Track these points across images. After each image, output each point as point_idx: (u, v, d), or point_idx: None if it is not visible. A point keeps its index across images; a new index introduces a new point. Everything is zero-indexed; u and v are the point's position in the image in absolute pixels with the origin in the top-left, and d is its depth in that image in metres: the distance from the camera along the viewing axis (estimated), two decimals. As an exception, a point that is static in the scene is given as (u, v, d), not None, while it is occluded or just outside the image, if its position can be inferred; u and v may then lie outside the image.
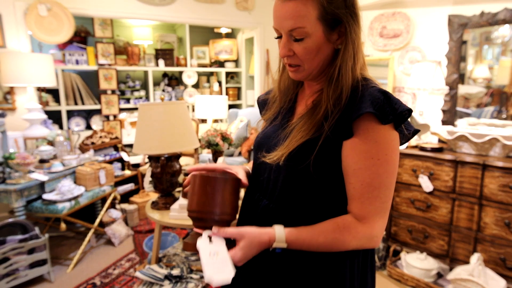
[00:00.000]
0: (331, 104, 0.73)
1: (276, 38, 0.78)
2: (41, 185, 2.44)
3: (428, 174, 2.26)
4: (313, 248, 0.73)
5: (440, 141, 2.55)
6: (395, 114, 0.69)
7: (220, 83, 5.09)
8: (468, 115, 2.52)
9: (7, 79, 2.80)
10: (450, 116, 2.57)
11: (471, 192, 2.08)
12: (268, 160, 0.80)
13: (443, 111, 2.59)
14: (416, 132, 0.78)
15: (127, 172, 3.51)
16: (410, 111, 0.70)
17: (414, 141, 2.51)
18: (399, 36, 2.82)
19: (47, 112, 3.45)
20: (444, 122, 2.58)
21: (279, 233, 0.72)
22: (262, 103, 1.00)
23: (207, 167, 0.83)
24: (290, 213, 0.78)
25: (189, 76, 4.72)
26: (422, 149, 2.35)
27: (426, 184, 2.26)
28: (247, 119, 3.91)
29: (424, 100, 2.63)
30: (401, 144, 0.77)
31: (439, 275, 2.23)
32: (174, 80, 5.02)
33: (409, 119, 0.76)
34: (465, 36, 2.47)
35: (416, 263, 2.22)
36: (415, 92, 2.71)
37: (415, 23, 2.73)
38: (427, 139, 2.56)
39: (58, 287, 2.24)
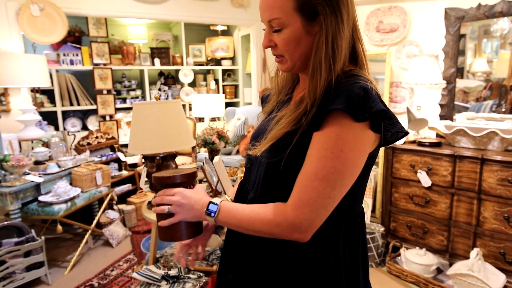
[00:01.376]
0: (309, 98, 0.72)
1: (263, 30, 0.80)
2: (37, 187, 2.42)
3: (427, 169, 2.25)
4: (238, 224, 0.75)
5: (438, 135, 2.54)
6: (371, 113, 0.66)
7: (216, 81, 5.07)
8: (466, 109, 2.51)
9: (0, 81, 2.76)
10: (448, 110, 2.55)
11: (470, 187, 2.07)
12: (250, 152, 0.82)
13: (441, 105, 2.58)
14: (402, 134, 0.73)
15: (124, 173, 3.49)
16: (385, 112, 0.67)
17: (412, 136, 2.50)
18: (396, 30, 2.79)
19: (42, 113, 3.42)
20: (442, 117, 2.56)
21: (212, 205, 0.77)
22: (266, 99, 0.99)
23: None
24: None
25: (186, 74, 4.69)
26: (420, 144, 2.33)
27: (425, 180, 2.25)
28: (245, 117, 3.89)
29: (422, 94, 2.61)
30: (384, 145, 0.74)
31: (439, 271, 2.23)
32: (171, 79, 4.99)
33: (398, 120, 0.72)
34: (464, 30, 2.45)
35: (416, 258, 2.21)
36: (412, 86, 2.69)
37: (411, 17, 2.71)
38: (425, 134, 2.55)
39: (55, 289, 2.22)
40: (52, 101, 3.88)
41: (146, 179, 1.94)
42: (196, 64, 4.88)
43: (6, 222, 2.22)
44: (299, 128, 0.72)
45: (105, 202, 2.87)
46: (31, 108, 2.94)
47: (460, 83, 2.52)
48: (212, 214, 0.76)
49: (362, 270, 0.82)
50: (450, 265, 2.16)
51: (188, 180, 0.82)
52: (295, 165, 0.72)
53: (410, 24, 2.71)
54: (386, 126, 0.70)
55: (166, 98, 4.77)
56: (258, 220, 0.72)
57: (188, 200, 0.79)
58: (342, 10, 0.71)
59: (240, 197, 0.90)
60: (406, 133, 0.73)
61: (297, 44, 0.74)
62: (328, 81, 0.70)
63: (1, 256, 2.03)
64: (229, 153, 3.92)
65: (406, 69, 2.74)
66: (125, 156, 3.62)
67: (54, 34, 3.23)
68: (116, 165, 3.49)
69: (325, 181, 0.67)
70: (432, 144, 2.28)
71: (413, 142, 2.42)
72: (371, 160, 0.75)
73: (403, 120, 2.81)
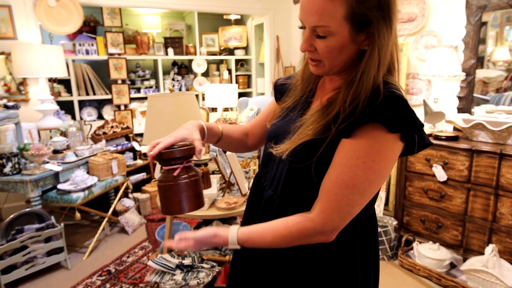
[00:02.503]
0: (345, 107, 0.70)
1: (300, 28, 0.75)
2: (56, 175, 2.49)
3: (442, 164, 2.21)
4: (264, 246, 0.76)
5: (455, 129, 2.48)
6: (405, 126, 0.66)
7: (230, 71, 5.05)
8: (486, 101, 2.43)
9: (19, 71, 2.83)
10: (466, 103, 2.49)
11: (487, 182, 2.03)
12: (274, 152, 0.81)
13: (459, 97, 2.51)
14: (427, 145, 0.73)
15: (139, 162, 3.55)
16: (421, 126, 0.67)
17: (428, 129, 2.45)
18: (414, 20, 2.71)
19: (59, 103, 3.49)
20: (460, 110, 2.50)
21: (231, 237, 0.76)
22: (280, 87, 0.96)
23: (156, 145, 0.79)
24: (293, 207, 0.79)
25: (199, 64, 4.70)
26: (437, 137, 2.29)
27: (440, 174, 2.22)
28: (257, 108, 3.88)
29: (440, 86, 2.55)
30: (408, 154, 0.74)
31: (452, 266, 2.21)
32: (184, 69, 5.00)
33: (424, 131, 0.72)
34: (485, 17, 2.36)
35: (429, 253, 2.20)
36: (430, 78, 2.63)
37: (430, 6, 2.63)
38: (441, 127, 2.50)
39: (75, 274, 2.31)
40: (69, 90, 3.95)
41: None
42: (209, 53, 4.87)
43: (27, 209, 2.30)
44: (328, 136, 0.71)
45: (121, 191, 2.94)
46: (49, 98, 3.01)
47: (480, 73, 2.44)
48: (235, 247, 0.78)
49: (373, 268, 0.83)
50: (464, 260, 2.14)
51: (187, 155, 0.81)
52: (321, 169, 0.73)
53: (429, 13, 2.63)
54: (415, 138, 0.71)
55: (180, 88, 4.79)
56: (285, 242, 0.74)
57: (204, 242, 0.78)
58: (392, 20, 0.69)
59: (256, 192, 0.91)
60: (430, 144, 0.74)
61: (340, 52, 0.71)
62: (373, 87, 0.69)
63: (23, 241, 2.12)
64: (242, 144, 3.93)
65: (424, 60, 2.67)
66: (140, 145, 3.68)
67: (70, 24, 3.27)
68: (131, 154, 3.55)
69: (355, 190, 0.68)
70: (448, 138, 2.23)
71: (429, 135, 2.38)
72: None
73: (420, 113, 2.76)
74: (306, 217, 0.72)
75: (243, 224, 0.92)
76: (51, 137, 2.79)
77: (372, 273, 0.83)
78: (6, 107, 2.47)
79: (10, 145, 2.36)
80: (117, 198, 2.91)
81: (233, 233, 0.77)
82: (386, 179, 0.73)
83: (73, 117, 3.93)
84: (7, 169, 2.29)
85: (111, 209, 2.84)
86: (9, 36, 3.01)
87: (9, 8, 2.97)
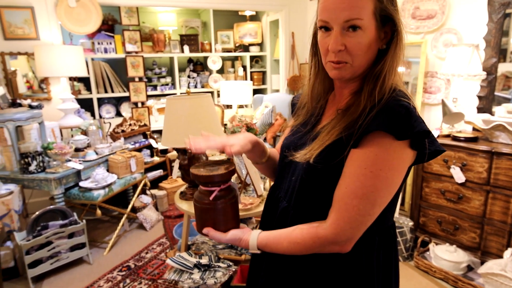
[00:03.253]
0: (371, 100, 0.71)
1: (321, 28, 0.74)
2: (77, 173, 2.58)
3: (461, 165, 2.18)
4: (281, 252, 0.78)
5: (474, 129, 2.43)
6: (413, 133, 0.66)
7: (244, 67, 5.06)
8: (508, 100, 2.37)
9: (42, 70, 2.92)
10: (487, 102, 2.43)
11: (507, 185, 1.99)
12: (297, 159, 0.79)
13: (479, 97, 2.46)
14: (438, 152, 0.72)
15: (156, 159, 3.63)
16: (428, 132, 0.67)
17: (446, 130, 2.41)
18: (433, 17, 2.66)
19: (79, 100, 3.59)
20: (480, 109, 2.45)
21: (252, 242, 0.80)
22: (295, 105, 0.98)
23: (213, 143, 0.80)
24: (306, 218, 0.80)
25: (214, 61, 4.72)
26: (455, 138, 2.25)
27: (458, 175, 2.19)
28: (272, 105, 3.88)
29: (459, 86, 2.49)
30: (423, 162, 0.74)
31: (469, 268, 2.19)
32: (199, 66, 5.04)
33: (435, 137, 0.72)
34: (508, 11, 2.28)
35: (445, 255, 2.18)
36: (449, 77, 2.58)
37: (451, 3, 2.56)
38: (460, 128, 2.45)
39: (96, 268, 2.40)
40: (88, 88, 4.05)
41: (178, 170, 2.02)
42: (224, 50, 4.89)
43: (51, 206, 2.40)
44: (353, 132, 0.71)
45: (139, 188, 3.02)
46: (70, 97, 3.10)
47: (502, 67, 2.36)
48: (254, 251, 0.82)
49: (394, 280, 0.84)
50: (482, 263, 2.11)
51: (225, 179, 0.83)
52: (334, 179, 0.73)
53: (449, 10, 2.57)
54: (425, 145, 0.71)
55: (195, 85, 4.83)
56: (300, 249, 0.75)
57: (232, 244, 0.84)
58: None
59: (271, 203, 0.93)
60: (443, 151, 0.73)
61: (368, 49, 0.72)
62: (391, 85, 0.72)
63: (48, 237, 2.22)
64: (257, 141, 3.95)
65: (443, 58, 2.62)
66: (157, 142, 3.75)
67: (90, 24, 3.34)
68: (148, 151, 3.63)
69: (365, 200, 0.69)
70: (467, 139, 2.19)
71: (447, 136, 2.34)
72: (405, 174, 0.76)
73: (438, 113, 2.71)
74: (320, 226, 0.74)
75: None
76: (72, 136, 2.88)
77: (393, 285, 0.84)
78: (30, 107, 2.56)
79: (34, 144, 2.46)
80: (136, 195, 2.99)
81: (254, 238, 0.80)
82: (397, 187, 0.72)
83: (92, 114, 4.03)
84: (32, 167, 2.38)
85: (130, 206, 2.93)
86: (32, 37, 3.11)
87: (31, 10, 3.06)
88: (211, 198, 0.80)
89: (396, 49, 0.72)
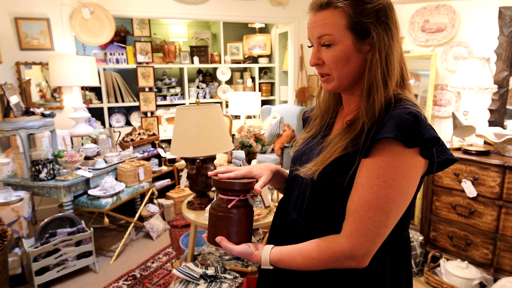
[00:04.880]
0: (366, 120, 0.71)
1: (309, 47, 0.81)
2: (86, 181, 2.60)
3: (472, 179, 2.14)
4: (295, 268, 0.75)
5: (486, 143, 2.40)
6: (423, 139, 0.65)
7: (253, 78, 5.10)
8: (519, 114, 2.34)
9: (55, 80, 2.98)
10: (498, 116, 2.40)
11: (521, 200, 1.95)
12: (301, 174, 0.81)
13: (491, 110, 2.43)
14: (451, 161, 0.72)
15: (164, 168, 3.64)
16: (437, 139, 0.66)
17: (457, 143, 2.38)
18: (443, 30, 2.66)
19: (90, 109, 3.65)
20: (492, 123, 2.42)
21: (264, 258, 0.78)
22: (307, 119, 0.99)
23: (228, 172, 0.82)
24: (318, 229, 0.79)
25: (223, 72, 4.77)
26: (466, 152, 2.22)
27: (470, 189, 2.15)
28: (280, 116, 3.90)
29: (470, 99, 2.47)
30: (435, 172, 0.73)
31: (482, 285, 2.13)
32: (208, 77, 5.10)
33: (446, 146, 0.72)
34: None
35: (457, 271, 2.13)
36: (459, 90, 2.56)
37: (461, 16, 2.56)
38: (471, 141, 2.42)
39: (102, 277, 2.40)
40: (99, 97, 4.13)
41: (186, 180, 2.03)
42: (233, 62, 4.95)
43: (60, 214, 2.42)
44: (357, 149, 0.71)
45: (147, 197, 3.02)
46: (81, 106, 3.15)
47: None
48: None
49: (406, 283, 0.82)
50: (495, 280, 2.05)
51: (246, 190, 0.81)
52: (341, 193, 0.73)
53: (459, 23, 2.57)
54: (437, 153, 0.70)
55: (204, 96, 4.88)
56: (315, 265, 0.73)
57: (242, 257, 0.82)
58: (392, 29, 0.73)
59: (280, 216, 0.92)
60: (456, 160, 0.72)
61: (346, 62, 0.74)
62: (386, 98, 0.71)
63: (56, 244, 2.23)
64: (264, 152, 3.95)
65: (453, 71, 2.60)
66: (165, 152, 3.78)
67: (103, 35, 3.42)
68: (156, 160, 3.65)
69: (380, 210, 0.67)
70: (479, 153, 2.16)
71: (458, 149, 2.31)
72: (418, 185, 0.75)
73: (448, 126, 2.69)
74: (335, 240, 0.72)
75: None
76: (82, 144, 2.92)
77: None
78: (43, 115, 2.61)
79: (45, 151, 2.49)
80: (143, 203, 3.00)
81: (266, 254, 0.78)
82: (411, 197, 0.71)
83: (103, 123, 4.09)
84: (42, 175, 2.41)
85: (137, 215, 2.93)
86: (46, 47, 3.19)
87: (47, 21, 3.15)
88: (229, 206, 0.79)
89: (372, 59, 0.72)
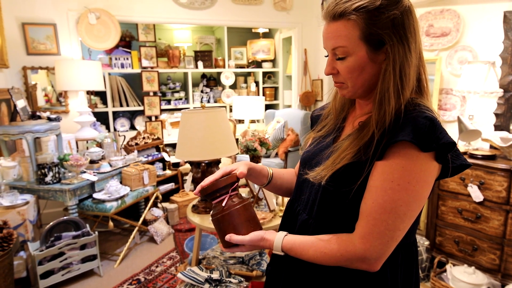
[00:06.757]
0: (377, 128, 0.71)
1: (326, 57, 0.81)
2: (91, 185, 2.61)
3: (478, 183, 2.13)
4: (305, 259, 0.76)
5: (492, 147, 2.39)
6: (438, 144, 0.65)
7: (257, 83, 5.12)
8: (525, 118, 2.33)
9: (61, 84, 3.01)
10: (504, 120, 2.39)
11: (528, 205, 1.93)
12: (311, 178, 0.81)
13: (496, 114, 2.42)
14: (465, 166, 0.72)
15: (168, 172, 3.65)
16: (453, 144, 0.66)
17: (462, 147, 2.37)
18: (448, 34, 2.66)
19: (95, 113, 3.67)
20: (497, 127, 2.41)
21: (276, 243, 0.78)
22: (316, 118, 0.99)
23: (206, 180, 0.84)
24: (329, 229, 0.79)
25: (227, 77, 4.79)
26: (472, 156, 2.21)
27: (476, 194, 2.13)
28: (284, 120, 3.90)
29: (475, 103, 2.46)
30: (449, 176, 0.72)
31: (489, 291, 2.10)
32: (212, 81, 5.12)
33: (460, 151, 0.72)
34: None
35: (464, 277, 2.10)
36: (464, 95, 2.55)
37: (465, 20, 2.56)
38: (477, 145, 2.41)
39: (107, 281, 2.39)
40: (104, 102, 4.15)
41: (191, 184, 2.03)
42: (237, 66, 4.97)
43: (65, 217, 2.43)
44: (367, 159, 0.71)
45: (151, 201, 3.03)
46: (87, 110, 3.17)
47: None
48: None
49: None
50: (503, 286, 2.03)
51: (230, 183, 0.84)
52: (357, 192, 0.73)
53: (463, 28, 2.57)
54: (451, 158, 0.70)
55: (208, 100, 4.90)
56: (326, 259, 0.73)
57: (252, 245, 0.81)
58: (409, 39, 0.72)
59: (289, 216, 0.92)
60: (469, 165, 0.72)
61: (361, 72, 0.74)
62: (397, 109, 0.71)
63: (61, 248, 2.23)
64: (268, 156, 3.95)
65: (458, 75, 2.60)
66: (169, 156, 3.79)
67: (108, 40, 3.45)
68: (160, 164, 3.66)
69: (394, 214, 0.67)
70: (485, 157, 2.15)
71: (464, 153, 2.30)
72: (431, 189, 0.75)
73: (454, 130, 2.67)
74: (349, 239, 0.72)
75: None
76: (87, 148, 2.94)
77: None
78: (49, 119, 2.63)
79: (51, 155, 2.51)
80: (147, 207, 3.00)
81: (279, 240, 0.78)
82: (425, 201, 0.71)
83: (107, 127, 4.11)
84: (48, 178, 2.42)
85: (141, 218, 2.94)
86: (53, 52, 3.22)
87: (54, 26, 3.19)
88: (223, 204, 0.81)
89: (386, 69, 0.71)
